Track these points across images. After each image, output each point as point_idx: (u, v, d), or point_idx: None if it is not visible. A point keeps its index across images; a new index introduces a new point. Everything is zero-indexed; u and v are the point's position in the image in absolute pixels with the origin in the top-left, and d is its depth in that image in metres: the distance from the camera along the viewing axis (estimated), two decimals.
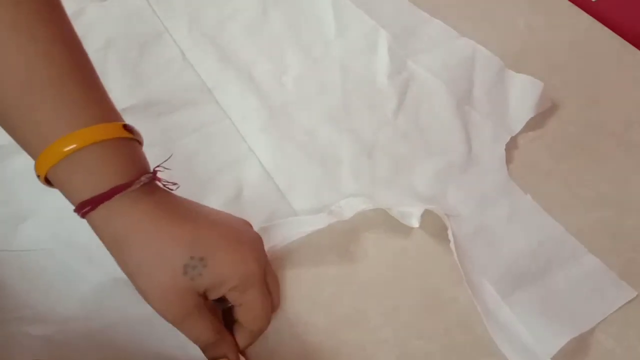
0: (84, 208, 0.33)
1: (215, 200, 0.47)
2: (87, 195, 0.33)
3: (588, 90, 0.59)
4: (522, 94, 0.56)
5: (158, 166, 0.37)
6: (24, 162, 0.48)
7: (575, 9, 0.68)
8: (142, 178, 0.34)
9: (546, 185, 0.51)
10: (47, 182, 0.35)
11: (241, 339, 0.38)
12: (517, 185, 0.50)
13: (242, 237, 0.38)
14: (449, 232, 0.44)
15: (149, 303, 0.34)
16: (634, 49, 0.63)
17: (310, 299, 0.43)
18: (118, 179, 0.33)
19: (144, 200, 0.34)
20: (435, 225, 0.46)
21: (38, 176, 0.34)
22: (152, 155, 0.50)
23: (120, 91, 0.56)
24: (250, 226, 0.41)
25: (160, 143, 0.52)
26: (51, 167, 0.33)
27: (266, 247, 0.44)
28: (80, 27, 0.61)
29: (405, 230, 0.46)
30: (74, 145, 0.32)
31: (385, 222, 0.46)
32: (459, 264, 0.42)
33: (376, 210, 0.46)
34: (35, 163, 0.34)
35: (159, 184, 0.36)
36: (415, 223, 0.45)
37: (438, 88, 0.57)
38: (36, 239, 0.44)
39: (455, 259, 0.43)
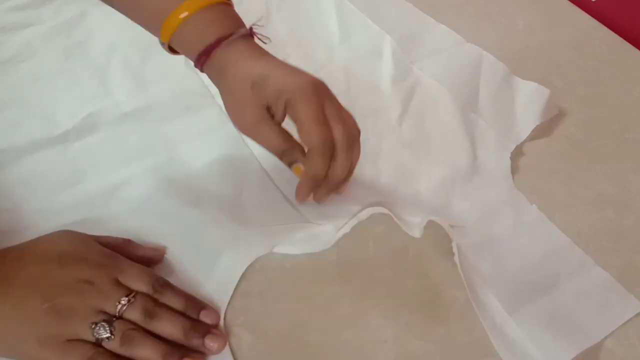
0: (200, 59, 0.44)
1: (217, 205, 0.48)
2: (201, 48, 0.43)
3: (588, 90, 0.59)
4: (529, 101, 0.56)
5: (254, 24, 0.46)
6: (25, 169, 0.49)
7: (575, 9, 0.68)
8: (241, 30, 0.44)
9: (546, 185, 0.51)
10: (171, 50, 0.46)
11: (307, 162, 0.43)
12: (518, 186, 0.50)
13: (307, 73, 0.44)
14: (453, 245, 0.43)
15: (230, 117, 0.45)
16: (634, 49, 0.63)
17: (310, 299, 0.43)
18: (222, 31, 0.43)
19: (240, 45, 0.43)
20: (436, 226, 0.46)
21: (162, 44, 0.46)
22: (154, 160, 0.51)
23: (122, 95, 0.56)
24: None
25: (162, 148, 0.52)
26: (173, 34, 0.43)
27: (269, 249, 0.45)
28: (82, 31, 0.63)
29: (406, 230, 0.47)
30: (186, 13, 0.42)
31: (385, 222, 0.46)
32: (463, 278, 0.42)
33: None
34: (160, 34, 0.44)
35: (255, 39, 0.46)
36: (417, 233, 0.44)
37: (443, 94, 0.57)
38: None
39: (459, 272, 0.42)
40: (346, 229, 0.45)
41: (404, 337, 0.41)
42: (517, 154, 0.53)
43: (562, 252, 0.46)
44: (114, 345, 0.37)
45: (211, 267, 0.43)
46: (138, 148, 0.52)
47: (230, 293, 0.42)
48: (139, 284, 0.39)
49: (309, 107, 0.41)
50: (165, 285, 0.40)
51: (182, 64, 0.60)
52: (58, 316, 0.36)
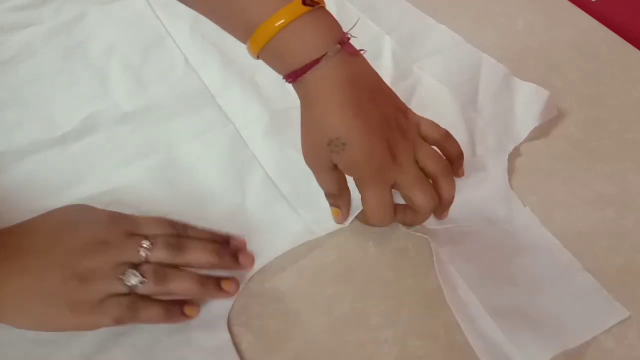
0: (292, 76, 0.41)
1: (218, 206, 0.48)
2: (296, 65, 0.40)
3: (588, 90, 0.59)
4: (528, 102, 0.56)
5: (347, 32, 0.42)
6: (25, 169, 0.49)
7: (575, 9, 0.68)
8: (330, 52, 0.40)
9: (546, 185, 0.51)
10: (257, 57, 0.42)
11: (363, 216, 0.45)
12: (518, 186, 0.50)
13: (387, 128, 0.42)
14: (433, 247, 0.44)
15: (302, 141, 0.43)
16: (634, 49, 0.63)
17: (310, 299, 0.43)
18: (316, 49, 0.40)
19: (330, 70, 0.40)
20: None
21: (252, 55, 0.42)
22: (155, 161, 0.51)
23: (122, 96, 0.56)
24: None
25: (162, 149, 0.52)
26: (264, 46, 0.40)
27: (271, 254, 0.45)
28: (82, 31, 0.63)
29: (405, 230, 0.47)
30: (283, 21, 0.39)
31: None
32: (440, 280, 0.43)
33: None
34: (249, 44, 0.41)
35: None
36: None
37: (443, 94, 0.57)
38: None
39: (437, 275, 0.43)
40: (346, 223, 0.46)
41: (404, 337, 0.41)
42: (517, 154, 0.53)
43: (551, 255, 0.46)
44: (148, 287, 0.36)
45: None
46: (138, 148, 0.52)
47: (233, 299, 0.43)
48: (157, 230, 0.39)
49: (375, 193, 0.42)
50: (185, 225, 0.40)
51: (182, 63, 0.60)
52: (82, 280, 0.36)
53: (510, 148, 0.53)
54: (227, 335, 0.40)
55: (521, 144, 0.54)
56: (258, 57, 0.42)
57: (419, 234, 0.46)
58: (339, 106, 0.40)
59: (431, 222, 0.47)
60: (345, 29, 0.67)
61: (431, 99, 0.57)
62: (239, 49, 0.63)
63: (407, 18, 0.66)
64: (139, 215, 0.40)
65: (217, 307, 0.42)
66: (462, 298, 0.43)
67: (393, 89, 0.58)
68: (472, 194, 0.50)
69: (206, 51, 0.61)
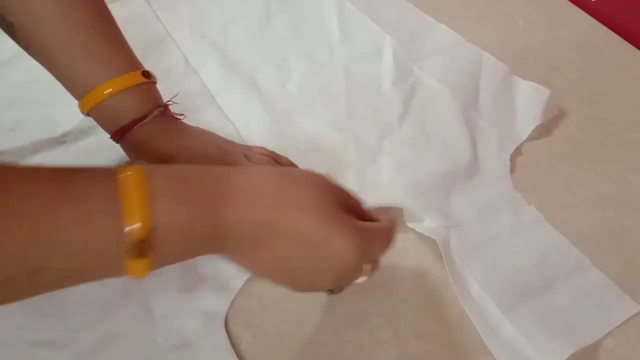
0: (115, 137, 0.45)
1: None
2: (115, 128, 0.45)
3: (588, 90, 0.59)
4: (529, 102, 0.56)
5: (168, 101, 0.48)
6: None
7: (575, 9, 0.68)
8: (155, 112, 0.45)
9: (546, 185, 0.51)
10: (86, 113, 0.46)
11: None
12: (518, 186, 0.50)
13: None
14: (441, 249, 0.44)
15: None
16: (634, 49, 0.63)
17: (310, 299, 0.43)
18: (137, 113, 0.45)
19: (153, 125, 0.45)
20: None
21: (82, 112, 0.46)
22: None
23: None
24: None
25: None
26: (92, 107, 0.44)
27: None
28: None
29: (406, 230, 0.47)
30: (110, 90, 0.44)
31: None
32: (451, 280, 0.43)
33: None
34: (81, 102, 0.45)
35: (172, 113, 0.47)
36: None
37: (444, 94, 0.57)
38: None
39: (449, 278, 0.43)
40: None
41: (404, 337, 0.41)
42: (517, 153, 0.53)
43: (560, 252, 0.46)
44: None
45: (214, 274, 0.43)
46: None
47: (233, 295, 0.42)
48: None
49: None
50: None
51: (182, 64, 0.60)
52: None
53: (512, 148, 0.53)
54: (225, 335, 0.40)
55: (521, 143, 0.54)
56: (88, 115, 0.46)
57: (426, 234, 0.46)
58: (162, 139, 0.45)
59: (438, 222, 0.47)
60: (346, 29, 0.68)
61: (431, 100, 0.57)
62: (239, 50, 0.64)
63: (408, 18, 0.66)
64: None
65: (215, 307, 0.42)
66: (476, 299, 0.43)
67: (394, 89, 0.59)
68: (477, 196, 0.49)
69: (206, 51, 0.61)
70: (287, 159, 0.48)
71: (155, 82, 0.47)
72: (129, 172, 0.30)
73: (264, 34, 0.64)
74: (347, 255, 0.33)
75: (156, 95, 0.47)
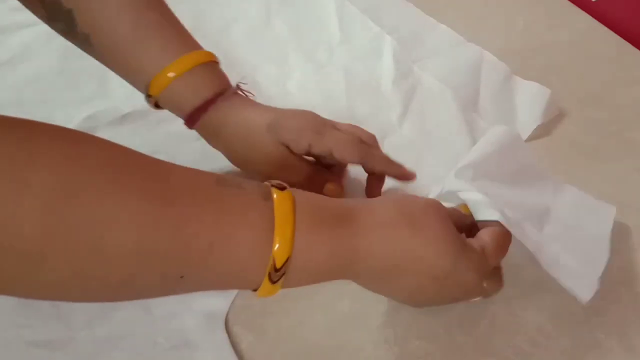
0: (195, 115, 0.44)
1: None
2: (196, 104, 0.44)
3: (588, 90, 0.59)
4: (529, 102, 0.56)
5: (239, 82, 0.47)
6: None
7: (575, 9, 0.68)
8: (231, 88, 0.45)
9: None
10: (156, 106, 0.46)
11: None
12: None
13: (301, 111, 0.47)
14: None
15: (244, 162, 0.47)
16: (634, 49, 0.63)
17: (310, 299, 0.43)
18: (216, 88, 0.44)
19: (235, 99, 0.45)
20: None
21: (148, 98, 0.45)
22: None
23: (122, 97, 0.56)
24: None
25: (162, 150, 0.52)
26: (162, 91, 0.43)
27: None
28: None
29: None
30: (174, 73, 0.42)
31: None
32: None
33: None
34: (149, 88, 0.44)
35: (241, 93, 0.47)
36: None
37: (444, 94, 0.57)
38: None
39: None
40: None
41: (404, 337, 0.41)
42: None
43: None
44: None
45: None
46: (138, 149, 0.51)
47: (233, 295, 0.42)
48: None
49: (336, 130, 0.45)
50: None
51: None
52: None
53: None
54: (225, 335, 0.40)
55: None
56: (157, 107, 0.46)
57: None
58: (254, 107, 0.46)
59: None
60: (346, 29, 0.68)
61: (432, 100, 0.57)
62: (239, 50, 0.64)
63: (408, 18, 0.66)
64: None
65: (215, 307, 0.41)
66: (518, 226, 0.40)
67: (393, 89, 0.59)
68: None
69: None
70: (369, 135, 0.47)
71: (218, 63, 0.47)
72: (283, 196, 0.31)
73: (264, 33, 0.64)
74: (472, 281, 0.35)
75: (224, 75, 0.47)
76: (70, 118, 0.54)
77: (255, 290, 0.31)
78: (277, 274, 0.30)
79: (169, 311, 0.41)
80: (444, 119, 0.56)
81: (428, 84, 0.59)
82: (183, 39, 0.45)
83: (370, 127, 0.54)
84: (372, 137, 0.46)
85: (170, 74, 0.43)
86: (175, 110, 0.46)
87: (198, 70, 0.44)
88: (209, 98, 0.44)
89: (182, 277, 0.28)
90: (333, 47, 0.63)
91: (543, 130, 0.55)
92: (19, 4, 0.64)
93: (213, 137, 0.46)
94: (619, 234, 0.47)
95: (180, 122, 0.54)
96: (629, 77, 0.60)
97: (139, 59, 0.43)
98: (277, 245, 0.29)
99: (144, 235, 0.26)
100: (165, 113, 0.55)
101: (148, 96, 0.45)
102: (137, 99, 0.56)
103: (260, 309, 0.42)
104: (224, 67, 0.59)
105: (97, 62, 0.59)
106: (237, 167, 0.47)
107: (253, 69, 0.60)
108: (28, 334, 0.39)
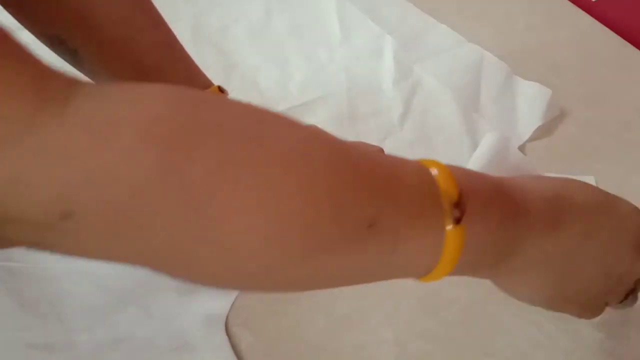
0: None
1: None
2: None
3: (588, 90, 0.59)
4: (530, 102, 0.56)
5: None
6: None
7: (575, 9, 0.68)
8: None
9: None
10: None
11: None
12: None
13: None
14: None
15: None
16: (634, 49, 0.63)
17: (310, 299, 0.43)
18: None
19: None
20: None
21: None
22: None
23: None
24: None
25: None
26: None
27: None
28: None
29: None
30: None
31: None
32: None
33: None
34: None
35: None
36: None
37: (444, 94, 0.57)
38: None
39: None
40: None
41: (404, 337, 0.41)
42: None
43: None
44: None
45: None
46: None
47: (233, 297, 0.42)
48: None
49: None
50: None
51: None
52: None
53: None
54: (225, 337, 0.40)
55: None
56: None
57: None
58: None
59: None
60: (346, 29, 0.67)
61: (432, 101, 0.57)
62: (240, 50, 0.64)
63: (408, 18, 0.66)
64: None
65: (215, 308, 0.42)
66: None
67: (394, 90, 0.59)
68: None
69: (207, 53, 0.61)
70: None
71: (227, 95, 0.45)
72: (441, 170, 0.28)
73: (264, 34, 0.64)
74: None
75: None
76: None
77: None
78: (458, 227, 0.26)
79: (169, 313, 0.41)
80: (445, 119, 0.56)
81: (429, 84, 0.59)
82: (190, 76, 0.43)
83: (370, 128, 0.55)
84: None
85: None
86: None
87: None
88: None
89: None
90: (334, 47, 0.63)
91: (543, 130, 0.55)
92: None
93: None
94: None
95: None
96: (629, 77, 0.60)
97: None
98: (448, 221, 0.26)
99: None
100: None
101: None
102: None
103: (260, 309, 0.42)
104: (224, 68, 0.60)
105: None
106: None
107: (253, 69, 0.60)
108: (27, 337, 0.39)
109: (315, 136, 0.25)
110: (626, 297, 0.36)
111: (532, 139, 0.54)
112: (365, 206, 0.24)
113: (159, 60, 0.42)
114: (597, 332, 0.42)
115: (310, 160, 0.23)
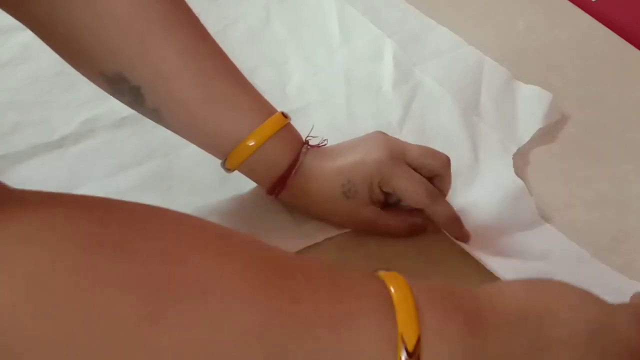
0: (276, 189, 0.44)
1: (217, 211, 0.47)
2: (274, 177, 0.43)
3: (588, 90, 0.59)
4: (531, 105, 0.56)
5: (307, 137, 0.45)
6: (23, 173, 0.49)
7: (575, 9, 0.68)
8: (303, 149, 0.43)
9: (546, 185, 0.51)
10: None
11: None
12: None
13: (368, 147, 0.45)
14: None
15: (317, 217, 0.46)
16: (634, 49, 0.63)
17: None
18: (291, 156, 0.43)
19: (309, 161, 0.43)
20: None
21: (227, 169, 0.44)
22: (153, 166, 0.51)
23: None
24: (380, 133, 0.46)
25: (160, 153, 0.52)
26: (241, 164, 0.42)
27: None
28: None
29: None
30: (257, 140, 0.41)
31: None
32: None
33: None
34: (227, 160, 0.43)
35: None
36: None
37: (444, 97, 0.57)
38: None
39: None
40: None
41: None
42: (517, 153, 0.53)
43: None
44: None
45: None
46: (136, 152, 0.52)
47: None
48: None
49: (401, 173, 0.43)
50: None
51: None
52: None
53: (514, 150, 0.53)
54: None
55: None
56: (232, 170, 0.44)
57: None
58: (328, 168, 0.44)
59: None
60: (346, 32, 0.67)
61: (432, 103, 0.57)
62: (238, 52, 0.63)
63: (408, 20, 0.66)
64: None
65: None
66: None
67: (393, 92, 0.58)
68: (477, 199, 0.49)
69: None
70: (442, 163, 0.44)
71: (289, 120, 0.45)
72: (395, 281, 0.27)
73: (263, 35, 0.64)
74: None
75: (297, 133, 0.45)
76: (68, 121, 0.53)
77: None
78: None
79: None
80: (445, 122, 0.55)
81: (428, 87, 0.59)
82: (256, 106, 0.43)
83: (370, 130, 0.54)
84: (445, 163, 0.44)
85: (249, 145, 0.42)
86: (256, 181, 0.45)
87: (275, 139, 0.42)
88: (290, 163, 0.43)
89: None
90: (333, 49, 0.63)
91: (543, 131, 0.55)
92: None
93: (298, 198, 0.45)
94: (619, 234, 0.47)
95: None
96: (629, 77, 0.60)
97: (214, 134, 0.42)
98: (402, 328, 0.25)
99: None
100: None
101: (227, 169, 0.44)
102: None
103: None
104: None
105: None
106: (306, 215, 0.46)
107: (252, 71, 0.59)
108: None
109: (248, 263, 0.27)
110: None
111: (532, 139, 0.54)
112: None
113: (230, 86, 0.43)
114: None
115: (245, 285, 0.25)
